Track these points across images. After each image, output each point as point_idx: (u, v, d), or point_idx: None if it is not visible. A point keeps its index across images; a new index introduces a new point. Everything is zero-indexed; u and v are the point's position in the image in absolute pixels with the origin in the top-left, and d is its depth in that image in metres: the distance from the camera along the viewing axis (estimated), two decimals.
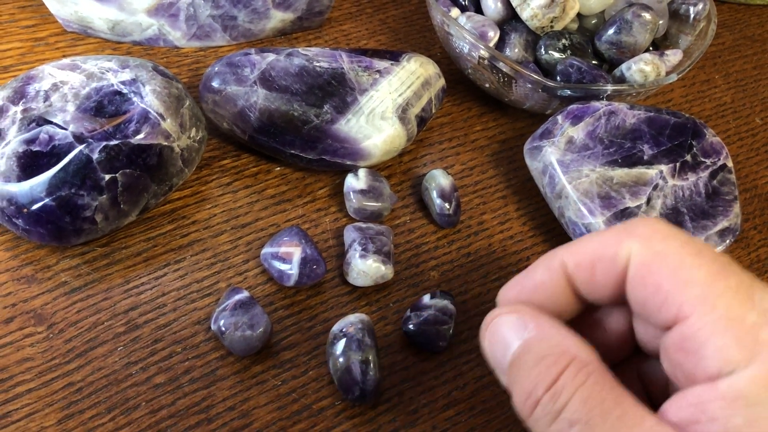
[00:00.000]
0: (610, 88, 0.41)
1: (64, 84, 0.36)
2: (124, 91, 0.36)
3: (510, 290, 0.24)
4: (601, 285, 0.22)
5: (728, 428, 0.17)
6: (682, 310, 0.19)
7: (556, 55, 0.45)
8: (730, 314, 0.18)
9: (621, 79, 0.44)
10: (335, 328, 0.33)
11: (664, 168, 0.39)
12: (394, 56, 0.42)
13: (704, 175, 0.39)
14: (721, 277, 0.19)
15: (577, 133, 0.39)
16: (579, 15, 0.47)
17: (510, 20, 0.46)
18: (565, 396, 0.19)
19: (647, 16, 0.44)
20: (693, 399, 0.18)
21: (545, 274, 0.23)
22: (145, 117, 0.35)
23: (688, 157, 0.39)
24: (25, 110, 0.35)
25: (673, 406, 0.19)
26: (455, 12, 0.46)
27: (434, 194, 0.40)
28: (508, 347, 0.21)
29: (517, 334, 0.21)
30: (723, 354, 0.18)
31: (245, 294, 0.34)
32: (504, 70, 0.42)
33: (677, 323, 0.19)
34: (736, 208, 0.39)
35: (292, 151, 0.39)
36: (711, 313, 0.18)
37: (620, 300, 0.22)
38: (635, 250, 0.20)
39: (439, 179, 0.40)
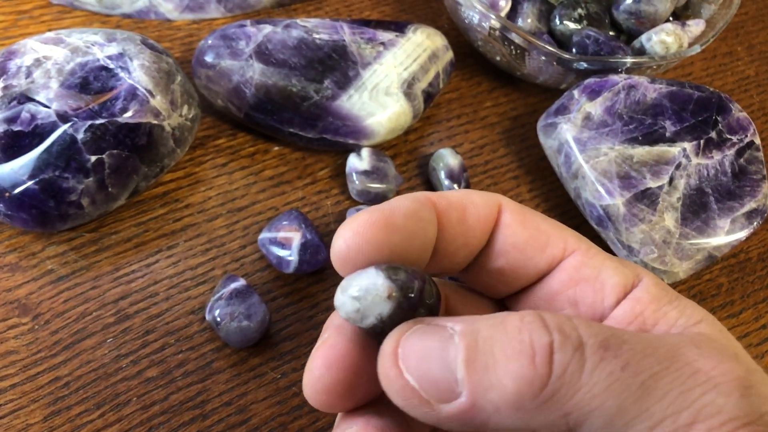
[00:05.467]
0: (629, 60, 0.39)
1: (47, 59, 0.34)
2: (111, 66, 0.34)
3: (365, 218, 0.17)
4: (472, 226, 0.20)
5: (671, 323, 0.18)
6: (569, 243, 0.20)
7: (572, 25, 0.42)
8: (599, 248, 0.20)
9: (641, 51, 0.41)
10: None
11: (688, 145, 0.36)
12: (399, 27, 0.39)
13: (730, 153, 0.37)
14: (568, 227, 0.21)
15: (595, 108, 0.37)
16: None
17: None
18: (572, 328, 0.15)
19: None
20: (629, 317, 0.19)
21: (413, 204, 0.18)
22: (132, 94, 0.33)
23: (713, 134, 0.37)
24: (5, 87, 0.33)
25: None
26: None
27: (442, 175, 0.38)
28: (446, 353, 0.15)
29: (441, 338, 0.16)
30: (620, 271, 0.19)
31: (242, 282, 0.32)
32: (516, 41, 0.39)
33: (565, 258, 0.20)
34: (765, 188, 0.36)
35: (291, 130, 0.37)
36: (593, 246, 0.20)
37: (478, 249, 0.20)
38: (505, 201, 0.20)
39: (447, 159, 0.38)
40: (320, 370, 0.17)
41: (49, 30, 0.41)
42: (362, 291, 0.16)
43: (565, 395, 0.15)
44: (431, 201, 0.19)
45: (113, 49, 0.34)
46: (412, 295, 0.16)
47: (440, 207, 0.19)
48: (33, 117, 0.32)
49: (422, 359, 0.15)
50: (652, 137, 0.36)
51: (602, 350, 0.15)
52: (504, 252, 0.20)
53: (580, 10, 0.43)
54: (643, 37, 0.41)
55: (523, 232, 0.20)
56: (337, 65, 0.37)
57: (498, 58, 0.43)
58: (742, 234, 0.35)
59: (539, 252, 0.20)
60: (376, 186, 0.36)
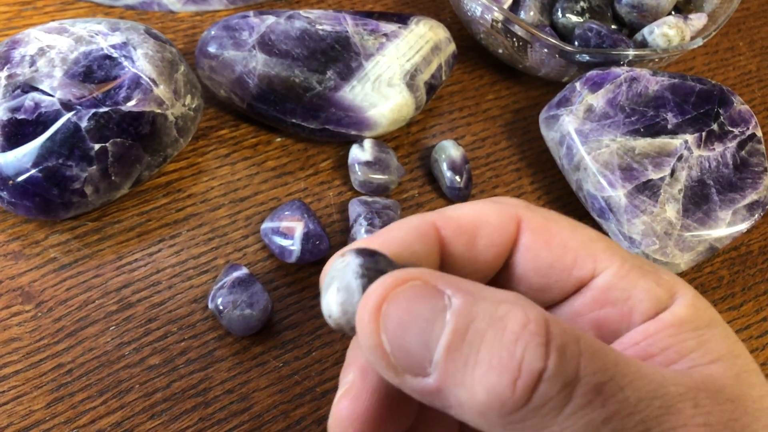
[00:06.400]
0: (631, 53, 0.39)
1: (51, 48, 0.34)
2: (115, 55, 0.34)
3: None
4: (482, 252, 0.18)
5: (683, 353, 0.16)
6: (600, 261, 0.18)
7: (574, 18, 0.42)
8: (635, 262, 0.18)
9: (643, 44, 0.42)
10: None
11: (689, 138, 0.36)
12: (402, 19, 0.40)
13: (732, 145, 0.37)
14: (602, 237, 0.19)
15: (597, 100, 0.37)
16: None
17: None
18: (574, 356, 0.14)
19: None
20: (638, 337, 0.17)
21: (407, 234, 0.18)
22: (136, 82, 0.33)
23: (715, 126, 0.37)
24: (9, 76, 0.33)
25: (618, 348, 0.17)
26: None
27: (444, 166, 0.38)
28: (431, 327, 0.14)
29: (432, 308, 0.14)
30: (653, 294, 0.17)
31: (244, 271, 0.32)
32: (519, 34, 0.39)
33: (594, 277, 0.18)
34: (766, 180, 0.36)
35: (294, 121, 0.37)
36: (628, 261, 0.18)
37: (491, 274, 0.19)
38: (527, 216, 0.18)
39: (449, 150, 0.38)
40: (344, 423, 0.17)
41: (53, 21, 0.41)
42: (333, 280, 0.15)
43: (532, 426, 0.14)
44: (434, 227, 0.18)
45: (117, 38, 0.34)
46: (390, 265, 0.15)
47: (445, 233, 0.18)
48: (37, 105, 0.32)
49: (403, 326, 0.14)
50: (654, 129, 0.36)
51: (593, 394, 0.14)
52: (524, 278, 0.18)
53: (582, 3, 0.43)
54: (645, 30, 0.41)
55: (547, 255, 0.18)
56: (339, 56, 0.37)
57: (500, 51, 0.43)
58: (743, 226, 0.35)
59: (565, 275, 0.18)
60: (378, 177, 0.36)
